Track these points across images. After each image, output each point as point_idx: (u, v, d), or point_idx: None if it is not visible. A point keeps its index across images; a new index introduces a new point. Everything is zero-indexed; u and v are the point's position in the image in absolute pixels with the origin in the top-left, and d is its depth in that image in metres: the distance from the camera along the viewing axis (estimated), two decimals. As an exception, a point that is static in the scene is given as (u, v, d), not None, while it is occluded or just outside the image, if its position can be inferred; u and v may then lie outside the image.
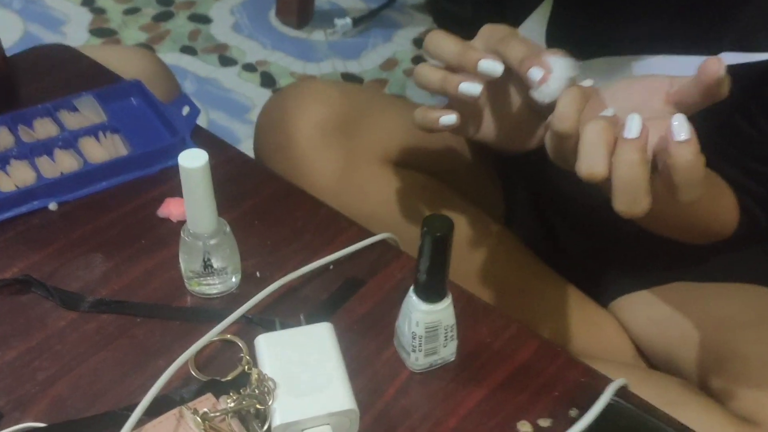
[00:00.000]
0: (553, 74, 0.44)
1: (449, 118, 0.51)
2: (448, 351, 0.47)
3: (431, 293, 0.44)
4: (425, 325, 0.45)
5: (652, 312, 0.73)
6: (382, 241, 0.55)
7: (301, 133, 0.63)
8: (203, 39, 1.56)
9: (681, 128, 0.38)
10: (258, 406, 0.42)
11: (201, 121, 0.68)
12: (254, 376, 0.44)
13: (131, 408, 0.41)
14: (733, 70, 0.41)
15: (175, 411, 0.42)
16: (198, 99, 1.37)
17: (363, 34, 1.59)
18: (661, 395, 0.64)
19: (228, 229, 0.49)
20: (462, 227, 0.68)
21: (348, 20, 1.57)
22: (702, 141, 0.40)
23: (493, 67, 0.47)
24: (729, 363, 0.63)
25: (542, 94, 0.44)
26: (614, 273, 0.76)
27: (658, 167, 0.41)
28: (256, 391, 0.43)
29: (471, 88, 0.47)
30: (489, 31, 0.50)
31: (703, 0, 0.54)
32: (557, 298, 0.72)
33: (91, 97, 0.64)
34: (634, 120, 0.39)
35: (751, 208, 0.62)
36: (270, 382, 0.43)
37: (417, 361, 0.46)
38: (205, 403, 0.43)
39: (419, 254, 0.42)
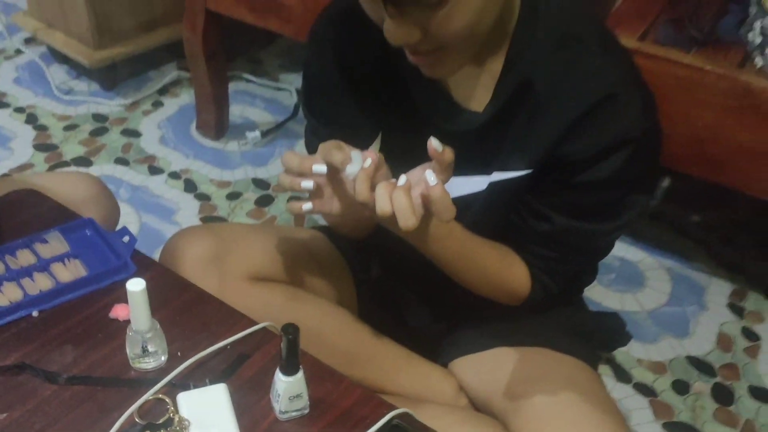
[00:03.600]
0: (351, 163, 0.72)
1: (307, 184, 0.75)
2: (301, 405, 0.74)
3: (289, 370, 0.71)
4: (286, 390, 0.72)
5: (479, 369, 0.99)
6: (263, 328, 0.83)
7: (187, 265, 0.91)
8: (135, 151, 1.83)
9: (430, 177, 0.68)
10: (179, 436, 0.69)
11: (134, 225, 0.94)
12: (176, 419, 0.70)
13: (97, 443, 0.67)
14: (501, 183, 0.70)
15: (126, 443, 0.68)
16: (131, 204, 1.63)
17: (270, 144, 1.89)
18: (475, 428, 0.91)
19: (158, 326, 0.76)
20: (316, 317, 0.95)
21: (257, 132, 1.88)
22: (500, 230, 0.71)
23: (319, 168, 0.75)
24: (523, 407, 0.86)
25: (347, 174, 0.72)
26: (451, 341, 1.03)
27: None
28: (178, 428, 0.69)
29: (307, 183, 0.76)
30: (324, 146, 0.76)
31: (478, 145, 0.84)
32: (394, 359, 1.00)
33: (56, 232, 0.90)
34: (402, 178, 0.69)
35: (539, 276, 0.90)
36: (186, 422, 0.70)
37: (281, 413, 0.74)
38: (145, 437, 0.69)
39: (282, 346, 0.70)
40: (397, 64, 0.80)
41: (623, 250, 1.67)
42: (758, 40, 1.24)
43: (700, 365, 1.43)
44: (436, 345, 1.05)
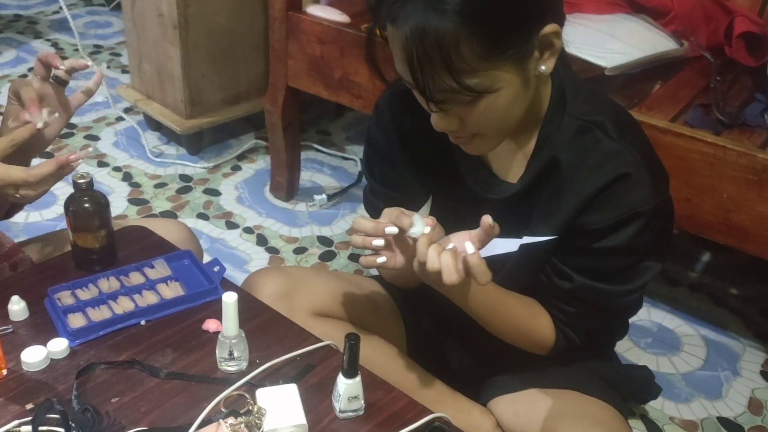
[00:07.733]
0: (414, 225, 0.87)
1: (379, 242, 0.90)
2: (357, 406, 0.88)
3: (349, 373, 0.86)
4: (346, 391, 0.86)
5: (515, 408, 1.11)
6: (327, 345, 0.98)
7: (263, 297, 1.07)
8: (214, 208, 2.05)
9: (469, 247, 0.83)
10: (257, 421, 0.84)
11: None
12: (255, 408, 0.86)
13: (191, 425, 0.83)
14: (530, 245, 0.85)
15: (214, 424, 0.83)
16: (210, 254, 1.83)
17: (335, 207, 2.09)
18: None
19: (243, 335, 0.93)
20: (369, 351, 1.06)
21: (324, 196, 2.07)
22: (529, 286, 0.86)
23: (391, 230, 0.89)
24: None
25: (410, 233, 0.87)
26: (489, 383, 1.16)
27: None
28: (256, 416, 0.85)
29: (378, 242, 0.91)
30: (388, 211, 0.92)
31: (512, 211, 0.99)
32: (439, 393, 1.13)
33: (161, 260, 1.09)
34: (450, 244, 0.84)
35: (562, 328, 1.03)
36: (263, 410, 0.85)
37: (340, 412, 0.88)
38: (230, 421, 0.84)
39: (344, 351, 0.85)
40: (445, 139, 0.96)
41: (661, 317, 1.76)
42: (780, 123, 1.38)
43: (731, 426, 1.50)
44: (477, 387, 1.18)
